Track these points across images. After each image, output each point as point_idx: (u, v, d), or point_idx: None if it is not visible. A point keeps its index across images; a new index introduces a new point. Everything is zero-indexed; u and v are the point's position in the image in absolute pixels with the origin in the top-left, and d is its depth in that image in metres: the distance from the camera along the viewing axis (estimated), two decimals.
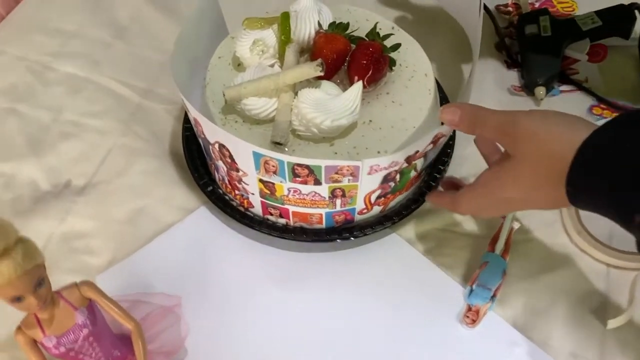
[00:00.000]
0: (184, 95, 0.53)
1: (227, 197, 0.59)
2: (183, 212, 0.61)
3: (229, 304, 0.55)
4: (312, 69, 0.53)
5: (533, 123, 0.44)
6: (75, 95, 0.69)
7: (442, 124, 0.49)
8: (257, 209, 0.57)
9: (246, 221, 0.58)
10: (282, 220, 0.57)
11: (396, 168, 0.52)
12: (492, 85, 0.70)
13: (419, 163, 0.54)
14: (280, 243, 0.58)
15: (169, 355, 0.49)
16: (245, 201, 0.58)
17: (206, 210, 0.61)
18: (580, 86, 0.69)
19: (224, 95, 0.55)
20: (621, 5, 0.70)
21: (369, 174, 0.51)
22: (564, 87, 0.70)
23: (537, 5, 0.77)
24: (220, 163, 0.55)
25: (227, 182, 0.57)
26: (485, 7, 0.72)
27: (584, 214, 0.59)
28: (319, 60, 0.53)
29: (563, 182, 0.41)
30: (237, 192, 0.57)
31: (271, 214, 0.57)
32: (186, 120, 0.64)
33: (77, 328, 0.44)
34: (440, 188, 0.59)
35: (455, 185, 0.56)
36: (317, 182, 0.51)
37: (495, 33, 0.73)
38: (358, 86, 0.54)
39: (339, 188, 0.52)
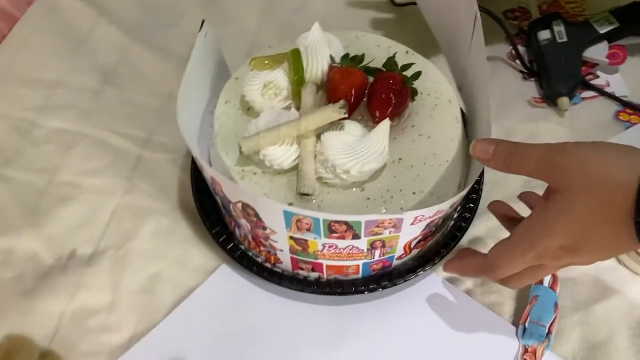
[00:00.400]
0: (195, 151, 0.48)
1: (250, 254, 0.55)
2: (203, 273, 0.56)
3: None
4: (336, 112, 0.49)
5: (584, 150, 0.39)
6: (68, 153, 0.64)
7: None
8: (286, 265, 0.53)
9: (275, 279, 0.53)
10: (315, 274, 0.53)
11: (441, 215, 0.48)
12: (510, 99, 0.67)
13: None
14: (313, 298, 0.54)
15: None
16: (273, 257, 0.53)
17: (228, 268, 0.56)
18: (602, 92, 0.66)
19: (240, 147, 0.50)
20: (636, 3, 0.67)
21: (412, 224, 0.47)
22: (585, 94, 0.66)
23: (544, 7, 0.73)
24: (243, 221, 0.51)
25: (250, 239, 0.53)
26: (492, 14, 0.68)
27: None
28: (342, 102, 0.49)
29: (627, 215, 0.37)
30: (262, 248, 0.53)
31: (302, 269, 0.53)
32: (195, 170, 0.59)
33: None
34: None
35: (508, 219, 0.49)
36: (356, 237, 0.47)
37: (507, 42, 0.69)
38: (385, 124, 0.50)
39: (379, 240, 0.48)
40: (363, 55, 0.54)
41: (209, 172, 0.48)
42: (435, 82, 0.57)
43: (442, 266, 0.48)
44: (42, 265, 0.56)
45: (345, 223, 0.45)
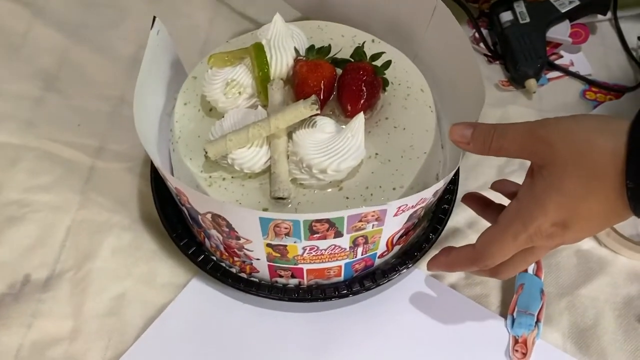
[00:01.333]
0: (157, 160, 0.45)
1: (224, 265, 0.51)
2: (173, 289, 0.52)
3: None
4: (308, 108, 0.46)
5: (565, 122, 0.38)
6: (12, 169, 0.58)
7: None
8: (264, 274, 0.50)
9: (252, 289, 0.50)
10: (294, 281, 0.50)
11: (423, 205, 0.46)
12: None
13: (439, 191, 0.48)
14: (294, 305, 0.51)
15: None
16: (248, 267, 0.50)
17: (199, 282, 0.52)
18: (567, 71, 0.66)
19: (205, 152, 0.47)
20: None
21: (395, 215, 0.44)
22: (550, 75, 0.66)
23: None
24: (213, 232, 0.47)
25: (222, 249, 0.49)
26: None
27: None
28: (313, 97, 0.46)
29: (617, 181, 0.36)
30: (236, 258, 0.49)
31: (280, 276, 0.50)
32: (156, 179, 0.54)
33: None
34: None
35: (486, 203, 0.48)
36: (338, 235, 0.44)
37: (469, 25, 0.68)
38: (360, 118, 0.47)
39: (362, 236, 0.45)
40: (329, 46, 0.51)
41: (173, 183, 0.44)
42: (405, 71, 0.54)
43: (427, 265, 0.46)
44: None
45: (327, 221, 0.42)
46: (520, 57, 0.63)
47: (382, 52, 0.51)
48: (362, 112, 0.47)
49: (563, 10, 0.65)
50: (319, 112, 0.46)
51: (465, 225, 0.56)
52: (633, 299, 0.52)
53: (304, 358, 0.49)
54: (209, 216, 0.45)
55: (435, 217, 0.54)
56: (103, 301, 0.51)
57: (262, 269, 0.49)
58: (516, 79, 0.64)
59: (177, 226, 0.53)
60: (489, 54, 0.67)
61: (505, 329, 0.50)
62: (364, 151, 0.47)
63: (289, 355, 0.49)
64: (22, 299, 0.51)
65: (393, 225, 0.46)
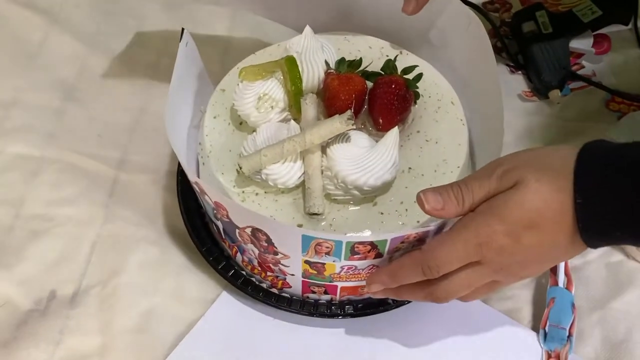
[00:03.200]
0: (193, 174, 0.44)
1: (254, 279, 0.51)
2: (202, 304, 0.51)
3: None
4: (343, 124, 0.45)
5: (525, 152, 0.41)
6: (34, 181, 0.57)
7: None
8: (296, 289, 0.49)
9: (284, 305, 0.49)
10: (326, 297, 0.50)
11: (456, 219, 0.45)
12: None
13: None
14: (324, 321, 0.50)
15: None
16: (280, 282, 0.49)
17: (229, 296, 0.52)
18: (590, 81, 0.65)
19: (239, 166, 0.46)
20: None
21: (436, 234, 0.44)
22: (573, 85, 0.66)
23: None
24: (250, 246, 0.46)
25: (256, 264, 0.49)
26: (476, 6, 0.66)
27: None
28: (349, 112, 0.45)
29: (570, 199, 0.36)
30: (270, 273, 0.49)
31: (313, 292, 0.49)
32: (183, 191, 0.54)
33: None
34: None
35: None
36: (379, 256, 0.44)
37: (492, 34, 0.68)
38: (394, 133, 0.47)
39: (400, 254, 0.45)
40: (360, 59, 0.51)
41: (214, 197, 0.44)
42: (434, 84, 0.54)
43: (366, 283, 0.45)
44: (19, 311, 0.50)
45: (370, 243, 0.42)
46: (544, 67, 0.63)
47: (415, 66, 0.50)
48: (396, 127, 0.47)
49: (586, 21, 0.65)
50: (354, 127, 0.46)
51: None
52: None
53: None
54: (248, 230, 0.44)
55: None
56: (132, 317, 0.51)
57: (295, 285, 0.49)
58: (539, 89, 0.64)
59: (206, 240, 0.52)
60: (512, 63, 0.67)
61: (537, 344, 0.50)
62: (398, 166, 0.47)
63: None
64: (49, 315, 0.50)
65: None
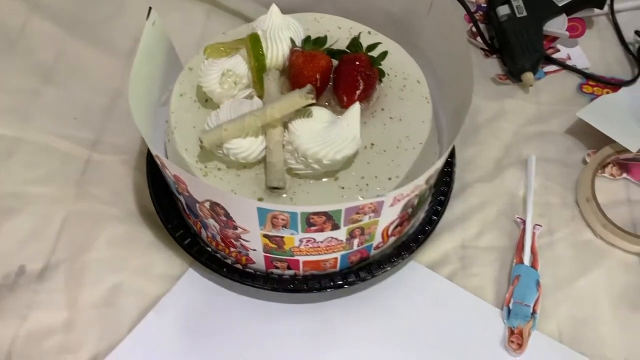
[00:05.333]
0: (155, 149, 0.45)
1: (219, 256, 0.51)
2: (168, 280, 0.52)
3: None
4: (303, 98, 0.45)
5: None
6: (8, 161, 0.58)
7: None
8: (259, 265, 0.50)
9: (248, 280, 0.50)
10: (290, 272, 0.50)
11: (417, 192, 0.46)
12: (476, 78, 0.64)
13: (432, 180, 0.48)
14: (289, 296, 0.51)
15: None
16: (244, 258, 0.50)
17: (195, 273, 0.52)
18: (564, 65, 0.65)
19: (200, 141, 0.47)
20: None
21: (392, 205, 0.44)
22: (548, 69, 0.66)
23: None
24: (211, 221, 0.47)
25: (219, 240, 0.49)
26: None
27: (605, 204, 0.55)
28: (309, 86, 0.46)
29: None
30: (232, 249, 0.49)
31: (276, 267, 0.50)
32: (151, 171, 0.54)
33: None
34: None
35: None
36: (335, 227, 0.44)
37: (467, 19, 0.68)
38: (356, 108, 0.47)
39: (358, 227, 0.45)
40: (325, 37, 0.51)
41: (172, 170, 0.44)
42: (401, 63, 0.54)
43: None
44: None
45: (325, 214, 0.42)
46: (518, 50, 0.63)
47: (379, 43, 0.51)
48: (358, 102, 0.47)
49: (560, 4, 0.65)
50: (314, 101, 0.46)
51: (461, 217, 0.56)
52: (629, 289, 0.52)
53: (298, 348, 0.49)
54: (207, 204, 0.45)
55: (431, 209, 0.54)
56: (98, 292, 0.51)
57: (258, 260, 0.49)
58: (513, 73, 0.64)
59: (173, 218, 0.53)
60: (486, 47, 0.67)
61: (501, 320, 0.50)
62: (360, 141, 0.47)
63: (284, 345, 0.49)
64: (17, 290, 0.51)
65: (389, 215, 0.46)
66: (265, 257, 0.48)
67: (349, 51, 0.51)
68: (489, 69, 0.66)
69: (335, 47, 0.52)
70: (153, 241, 0.54)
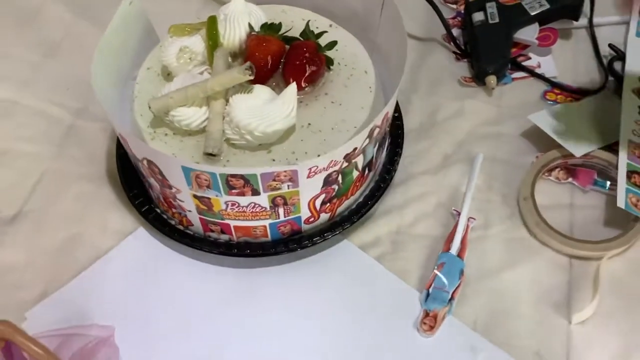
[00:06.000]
0: (109, 109, 0.50)
1: (165, 217, 0.56)
2: (120, 235, 0.57)
3: (171, 330, 0.51)
4: (241, 74, 0.50)
5: None
6: (3, 121, 0.65)
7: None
8: (197, 227, 0.54)
9: (186, 240, 0.54)
10: (225, 237, 0.54)
11: (336, 168, 0.49)
12: (440, 78, 0.67)
13: (359, 161, 0.51)
14: (225, 261, 0.55)
15: None
16: (184, 219, 0.54)
17: (144, 232, 0.57)
18: (532, 72, 0.67)
19: (149, 106, 0.51)
20: None
21: (309, 177, 0.47)
22: (516, 75, 0.67)
23: None
24: (152, 180, 0.52)
25: (162, 200, 0.54)
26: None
27: (547, 206, 0.56)
28: (248, 63, 0.50)
29: None
30: (174, 210, 0.54)
31: (212, 231, 0.54)
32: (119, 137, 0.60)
33: None
34: None
35: None
36: (255, 192, 0.48)
37: (442, 24, 0.70)
38: (292, 88, 0.51)
39: (280, 196, 0.49)
40: (280, 24, 0.56)
41: (117, 129, 0.49)
42: (353, 54, 0.58)
43: None
44: None
45: (242, 177, 0.46)
46: (484, 54, 0.65)
47: (325, 32, 0.55)
48: (294, 83, 0.51)
49: (532, 13, 0.67)
50: (252, 77, 0.50)
51: (400, 205, 0.58)
52: (554, 289, 0.53)
53: (224, 307, 0.52)
54: (145, 163, 0.49)
55: (371, 194, 0.56)
56: (57, 240, 0.57)
57: (196, 222, 0.53)
58: (477, 75, 0.66)
59: (133, 181, 0.58)
60: (457, 51, 0.69)
61: (418, 302, 0.52)
62: (294, 119, 0.51)
63: (211, 304, 0.53)
64: None
65: (310, 188, 0.49)
66: (201, 219, 0.52)
67: (301, 39, 0.55)
68: (457, 71, 0.68)
69: (290, 34, 0.56)
70: (114, 200, 0.59)
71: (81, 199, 0.59)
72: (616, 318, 0.51)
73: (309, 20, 0.56)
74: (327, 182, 0.49)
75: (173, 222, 0.55)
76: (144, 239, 0.56)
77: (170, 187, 0.50)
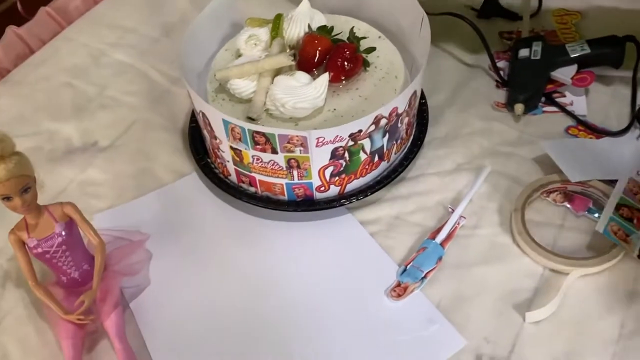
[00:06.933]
0: (185, 75, 0.64)
1: (212, 166, 0.69)
2: (178, 175, 0.71)
3: (193, 250, 0.64)
4: (285, 58, 0.62)
5: None
6: (119, 77, 0.83)
7: None
8: (233, 177, 0.66)
9: (223, 186, 0.67)
10: (252, 189, 0.66)
11: (342, 144, 0.59)
12: (479, 101, 0.75)
13: (366, 145, 0.60)
14: (250, 209, 0.66)
15: (127, 275, 0.59)
16: (224, 169, 0.67)
17: (195, 176, 0.71)
18: (562, 108, 0.72)
19: (214, 74, 0.65)
20: (613, 36, 0.73)
21: (317, 146, 0.58)
22: (547, 108, 0.73)
23: (540, 33, 0.81)
24: (205, 132, 0.65)
25: (211, 150, 0.67)
26: (477, 29, 0.77)
27: (538, 222, 0.62)
28: (292, 50, 0.62)
29: None
30: (218, 160, 0.67)
31: (243, 182, 0.66)
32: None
33: (54, 236, 0.55)
34: None
35: None
36: (274, 151, 0.59)
37: (487, 54, 0.78)
38: (324, 77, 0.62)
39: (293, 158, 0.60)
40: (332, 27, 0.67)
41: (186, 86, 0.63)
42: (390, 62, 0.68)
43: None
44: (72, 146, 0.75)
45: (263, 135, 0.58)
46: (517, 84, 0.72)
47: (365, 37, 0.66)
48: (327, 73, 0.63)
49: (572, 55, 0.72)
50: (294, 63, 0.62)
51: (405, 195, 0.66)
52: (520, 291, 0.58)
53: (239, 247, 0.64)
54: (201, 115, 0.63)
55: (381, 180, 0.65)
56: (132, 169, 0.72)
57: (232, 172, 0.66)
58: (509, 102, 0.73)
59: (197, 138, 0.71)
60: (498, 79, 0.76)
61: (395, 274, 0.60)
62: (322, 102, 0.62)
63: (229, 242, 0.64)
64: (86, 153, 0.74)
65: (319, 156, 0.59)
66: (235, 170, 0.65)
67: (346, 41, 0.66)
68: (494, 97, 0.75)
69: (339, 37, 0.67)
70: (180, 149, 0.74)
71: (158, 143, 0.75)
72: (567, 328, 0.55)
73: (353, 27, 0.67)
74: (335, 155, 0.60)
75: (217, 172, 0.68)
76: (194, 181, 0.70)
77: (215, 137, 0.63)
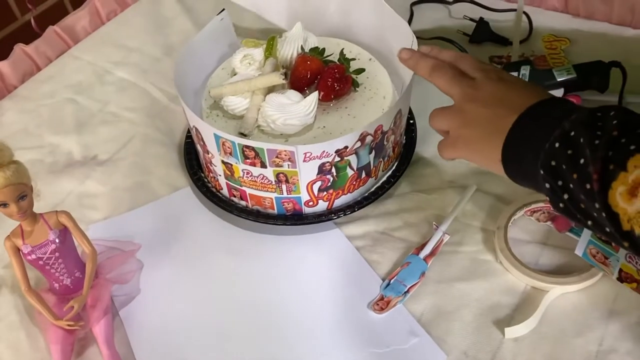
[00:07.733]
0: (180, 92, 0.66)
1: (205, 180, 0.71)
2: (173, 189, 0.73)
3: (184, 261, 0.66)
4: (277, 77, 0.65)
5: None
6: (121, 94, 0.86)
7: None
8: (225, 191, 0.68)
9: (214, 199, 0.69)
10: (243, 203, 0.68)
11: (329, 160, 0.61)
12: None
13: (353, 161, 0.62)
14: (240, 222, 0.68)
15: (118, 283, 0.61)
16: (217, 183, 0.69)
17: (189, 189, 0.73)
18: None
19: (208, 91, 0.68)
20: (599, 61, 0.75)
21: (305, 161, 0.60)
22: None
23: (529, 58, 0.83)
24: (198, 147, 0.67)
25: (205, 164, 0.69)
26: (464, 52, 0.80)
27: (520, 239, 0.63)
28: (283, 70, 0.65)
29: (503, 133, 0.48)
30: (211, 174, 0.69)
31: (234, 196, 0.68)
32: None
33: (48, 243, 0.57)
34: None
35: None
36: (263, 165, 0.61)
37: None
38: (314, 96, 0.65)
39: (282, 173, 0.62)
40: (324, 49, 0.70)
41: (182, 101, 0.66)
42: (379, 83, 0.70)
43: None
44: (72, 159, 0.78)
45: (253, 149, 0.60)
46: None
47: (354, 59, 0.68)
48: (317, 92, 0.65)
49: (559, 79, 0.74)
50: (285, 82, 0.65)
51: (392, 212, 0.68)
52: (500, 307, 0.59)
53: (228, 259, 0.66)
54: (194, 129, 0.65)
55: (369, 196, 0.67)
56: (129, 182, 0.74)
57: (224, 186, 0.68)
58: None
59: (192, 153, 0.74)
60: None
61: (378, 288, 0.62)
62: (311, 120, 0.64)
63: (219, 255, 0.66)
64: (86, 166, 0.76)
65: (307, 171, 0.61)
66: (227, 184, 0.67)
67: (337, 62, 0.69)
68: None
69: (330, 58, 0.70)
70: (176, 163, 0.76)
71: (155, 157, 0.77)
72: (546, 345, 0.56)
73: (343, 49, 0.69)
74: (322, 170, 0.62)
75: (210, 185, 0.70)
76: (187, 194, 0.72)
77: (208, 151, 0.65)
